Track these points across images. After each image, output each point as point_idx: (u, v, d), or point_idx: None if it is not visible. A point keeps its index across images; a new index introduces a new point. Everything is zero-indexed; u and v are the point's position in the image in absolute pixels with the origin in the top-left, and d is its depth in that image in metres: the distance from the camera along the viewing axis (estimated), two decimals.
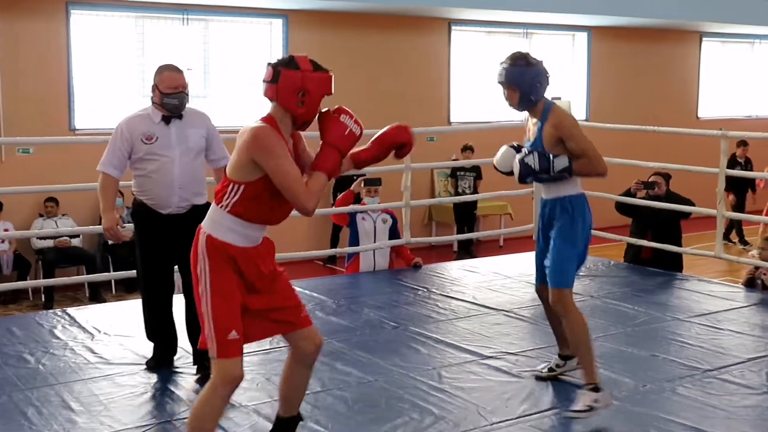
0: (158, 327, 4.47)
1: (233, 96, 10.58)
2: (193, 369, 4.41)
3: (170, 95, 4.23)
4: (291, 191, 3.02)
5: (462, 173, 11.67)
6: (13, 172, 8.99)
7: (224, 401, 3.09)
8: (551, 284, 3.97)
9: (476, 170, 11.54)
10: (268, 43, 10.91)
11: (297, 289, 3.36)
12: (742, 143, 11.96)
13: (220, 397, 3.07)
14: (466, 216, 11.51)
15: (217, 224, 3.08)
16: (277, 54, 10.79)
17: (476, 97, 12.60)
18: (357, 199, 6.79)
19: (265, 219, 3.13)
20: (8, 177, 8.77)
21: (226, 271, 3.04)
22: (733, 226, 11.87)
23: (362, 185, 6.73)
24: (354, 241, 6.74)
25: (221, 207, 3.07)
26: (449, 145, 11.57)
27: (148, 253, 4.39)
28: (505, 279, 6.47)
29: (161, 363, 4.45)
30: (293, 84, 3.11)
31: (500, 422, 3.75)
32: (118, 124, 4.34)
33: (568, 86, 13.18)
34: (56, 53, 9.64)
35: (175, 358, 4.53)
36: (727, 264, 8.45)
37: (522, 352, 4.69)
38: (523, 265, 6.97)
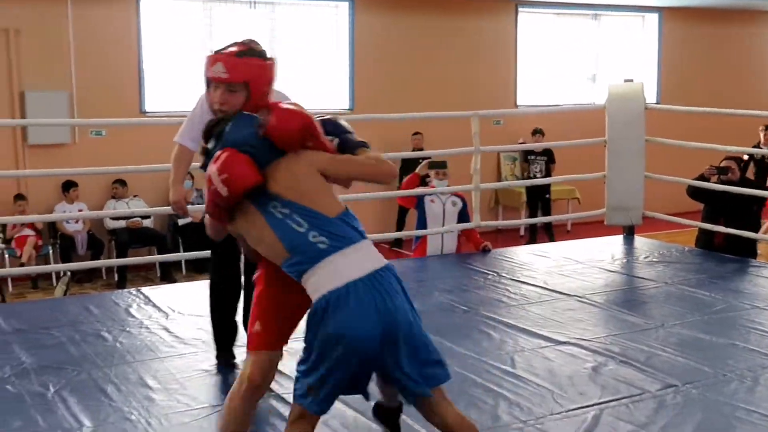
0: (228, 317, 4.33)
1: (299, 80, 10.61)
2: None
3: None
4: None
5: (533, 157, 11.55)
6: (86, 154, 9.16)
7: None
8: None
9: (548, 154, 11.39)
10: (335, 27, 10.91)
11: None
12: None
13: None
14: (537, 200, 11.40)
15: None
16: (343, 38, 10.79)
17: (544, 80, 12.46)
18: (423, 182, 6.76)
19: None
20: (82, 159, 8.96)
21: None
22: None
23: (428, 168, 6.70)
24: (421, 223, 6.71)
25: None
26: (516, 128, 11.45)
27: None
28: (576, 264, 6.37)
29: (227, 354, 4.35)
30: None
31: (576, 409, 3.70)
32: (200, 96, 4.07)
33: (639, 68, 12.92)
34: (127, 38, 9.79)
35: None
36: None
37: (596, 338, 4.61)
38: (593, 250, 6.88)
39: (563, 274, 6.07)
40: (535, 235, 11.26)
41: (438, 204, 6.64)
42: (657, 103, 12.52)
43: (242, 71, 3.01)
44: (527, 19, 12.29)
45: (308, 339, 2.74)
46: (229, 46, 3.09)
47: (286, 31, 10.71)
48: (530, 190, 11.30)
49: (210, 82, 3.07)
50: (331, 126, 3.00)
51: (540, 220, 10.65)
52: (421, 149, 10.46)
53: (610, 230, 7.70)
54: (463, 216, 6.75)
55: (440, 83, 11.22)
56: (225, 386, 3.97)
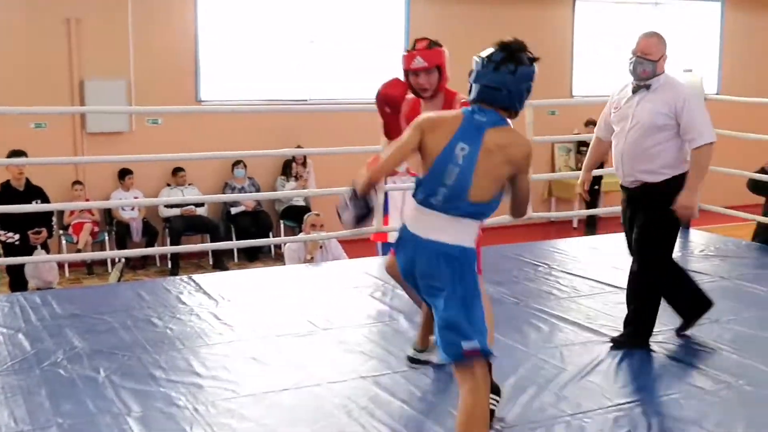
0: None
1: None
2: None
3: (630, 59, 4.23)
4: None
5: (585, 149, 11.38)
6: (143, 142, 9.28)
7: None
8: None
9: None
10: (389, 16, 10.88)
11: None
12: None
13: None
14: (589, 191, 11.22)
15: None
16: (399, 27, 10.76)
17: (601, 69, 12.26)
18: None
19: None
20: (138, 147, 9.07)
21: None
22: None
23: None
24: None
25: None
26: (571, 119, 11.29)
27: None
28: (629, 257, 6.24)
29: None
30: None
31: (625, 403, 3.65)
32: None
33: (699, 59, 12.64)
34: (184, 27, 9.89)
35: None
36: None
37: None
38: None
39: (616, 267, 5.93)
40: (594, 227, 11.11)
41: None
42: (717, 93, 12.24)
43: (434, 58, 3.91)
44: (585, 7, 12.11)
45: None
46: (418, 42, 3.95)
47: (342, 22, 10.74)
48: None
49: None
50: None
51: (594, 212, 10.49)
52: None
53: None
54: None
55: None
56: (272, 374, 4.00)
